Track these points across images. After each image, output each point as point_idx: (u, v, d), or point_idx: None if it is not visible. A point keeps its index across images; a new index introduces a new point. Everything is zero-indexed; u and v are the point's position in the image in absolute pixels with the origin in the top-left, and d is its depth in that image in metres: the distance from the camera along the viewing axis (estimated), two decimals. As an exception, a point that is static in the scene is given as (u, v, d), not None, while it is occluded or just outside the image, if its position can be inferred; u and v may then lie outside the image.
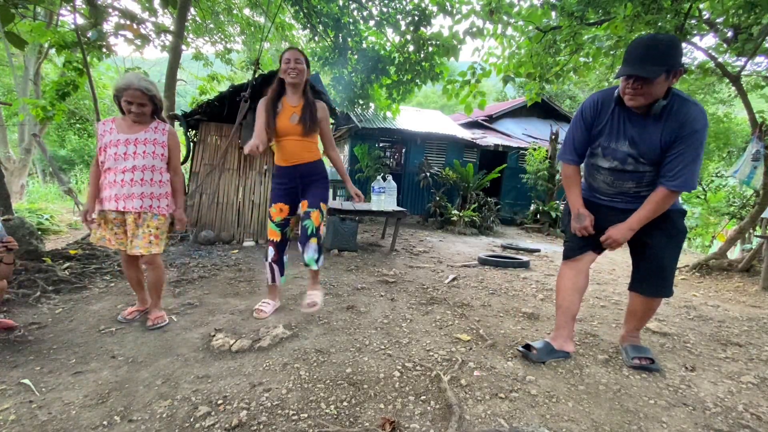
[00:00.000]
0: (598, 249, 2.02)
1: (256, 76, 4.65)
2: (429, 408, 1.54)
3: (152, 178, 2.20)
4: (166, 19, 6.61)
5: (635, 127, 1.75)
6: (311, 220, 2.35)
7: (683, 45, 5.98)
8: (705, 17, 4.48)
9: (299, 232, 2.44)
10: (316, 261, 2.40)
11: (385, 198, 5.03)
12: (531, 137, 11.18)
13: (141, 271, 2.38)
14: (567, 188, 2.01)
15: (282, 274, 2.55)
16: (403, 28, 5.98)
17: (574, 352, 2.07)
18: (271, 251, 2.46)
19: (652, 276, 1.94)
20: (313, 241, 2.37)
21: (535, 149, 9.23)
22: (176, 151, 2.29)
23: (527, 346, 2.00)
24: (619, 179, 1.88)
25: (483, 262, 4.52)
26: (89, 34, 4.34)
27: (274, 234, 2.45)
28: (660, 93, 1.65)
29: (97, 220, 2.21)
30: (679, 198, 1.91)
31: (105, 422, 1.39)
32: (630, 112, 1.77)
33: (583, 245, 2.02)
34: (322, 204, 2.42)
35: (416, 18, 5.70)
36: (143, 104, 2.15)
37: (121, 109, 2.19)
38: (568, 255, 2.09)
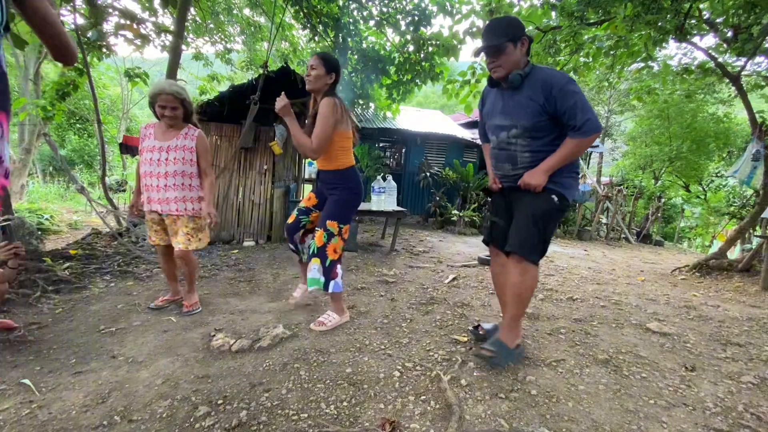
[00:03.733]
0: (500, 243, 2.03)
1: (256, 76, 4.65)
2: (429, 408, 1.54)
3: (183, 183, 2.36)
4: (166, 19, 6.60)
5: (505, 99, 1.94)
6: (314, 241, 2.27)
7: (683, 45, 5.99)
8: (705, 17, 4.48)
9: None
10: (324, 286, 2.24)
11: (385, 198, 5.03)
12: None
13: (175, 265, 2.58)
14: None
15: (299, 252, 2.59)
16: (403, 28, 5.97)
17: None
18: (285, 232, 2.59)
19: (511, 232, 1.90)
20: (314, 262, 2.23)
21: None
22: (204, 153, 2.43)
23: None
24: (499, 160, 2.00)
25: (483, 262, 4.52)
26: (89, 34, 4.33)
27: (291, 216, 2.54)
28: (515, 61, 1.84)
29: (147, 219, 2.46)
30: (565, 183, 1.85)
31: (105, 422, 1.39)
32: (502, 91, 1.96)
33: (488, 234, 2.17)
34: (329, 222, 2.25)
35: (416, 18, 5.69)
36: (175, 108, 2.30)
37: (157, 115, 2.34)
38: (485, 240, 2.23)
